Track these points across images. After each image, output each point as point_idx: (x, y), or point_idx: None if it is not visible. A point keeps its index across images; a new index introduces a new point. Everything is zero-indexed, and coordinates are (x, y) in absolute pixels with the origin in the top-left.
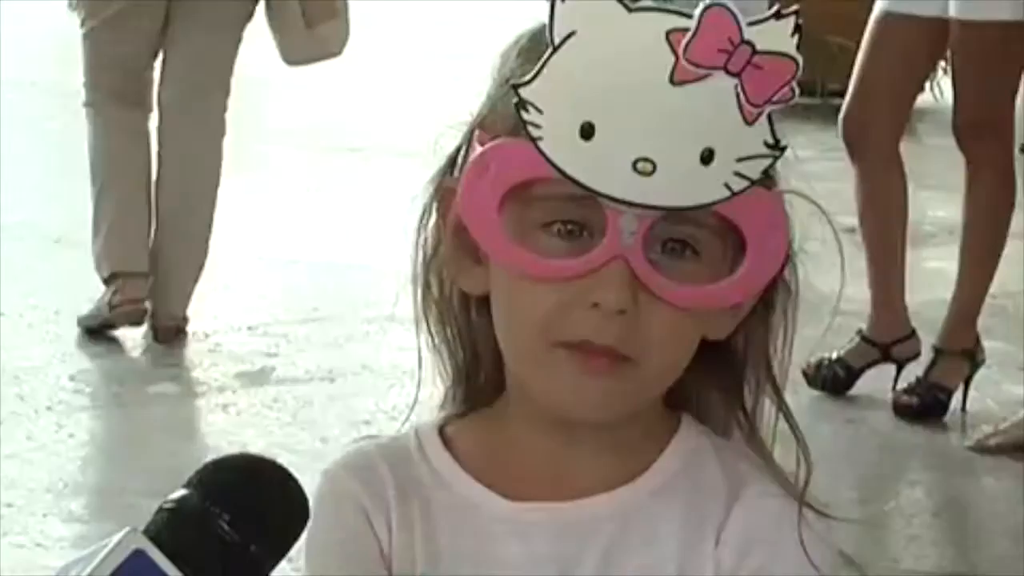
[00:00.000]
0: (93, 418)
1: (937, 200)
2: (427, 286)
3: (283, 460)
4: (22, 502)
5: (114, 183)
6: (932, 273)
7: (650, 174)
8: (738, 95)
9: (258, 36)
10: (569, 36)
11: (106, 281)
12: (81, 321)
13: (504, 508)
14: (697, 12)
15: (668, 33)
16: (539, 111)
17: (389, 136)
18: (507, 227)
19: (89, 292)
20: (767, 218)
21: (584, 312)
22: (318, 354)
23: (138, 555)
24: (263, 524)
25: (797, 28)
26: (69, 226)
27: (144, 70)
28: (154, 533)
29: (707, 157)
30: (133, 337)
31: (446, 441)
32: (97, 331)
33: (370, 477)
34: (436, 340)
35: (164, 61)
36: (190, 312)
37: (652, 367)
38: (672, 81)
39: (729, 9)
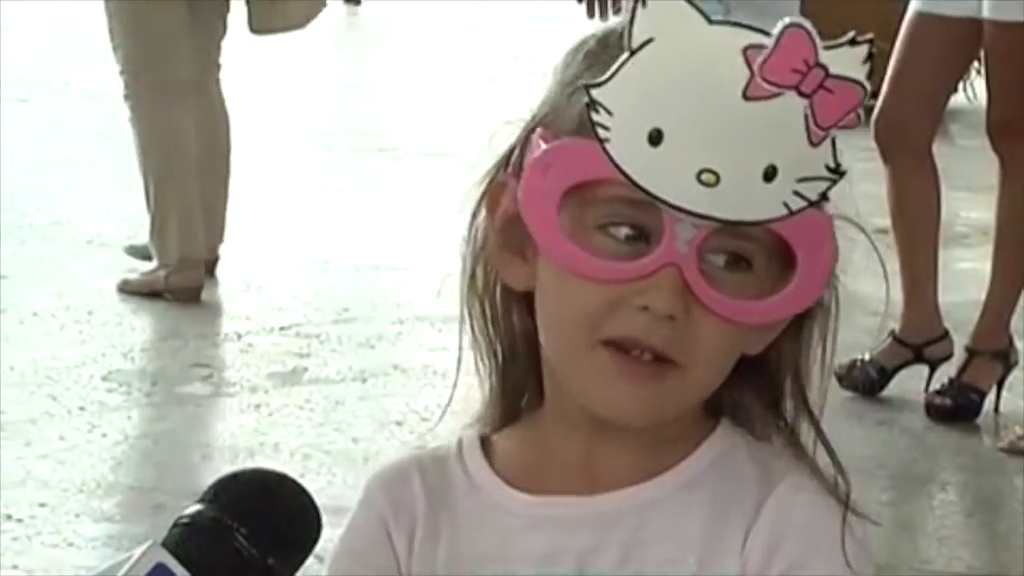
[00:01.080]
0: (125, 418)
1: (970, 201)
2: (472, 277)
3: (315, 460)
4: (55, 502)
5: (167, 170)
6: (965, 274)
7: (713, 185)
8: (806, 116)
9: (277, 40)
10: (647, 42)
11: (169, 273)
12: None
13: (522, 503)
14: (776, 31)
15: (745, 49)
16: (609, 113)
17: (419, 136)
18: (564, 225)
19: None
20: (817, 238)
21: (634, 313)
22: (350, 355)
23: (160, 569)
24: (279, 537)
25: (870, 56)
26: (101, 227)
27: (178, 49)
28: (173, 547)
29: (770, 174)
30: (165, 338)
31: (487, 447)
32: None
33: (400, 491)
34: (477, 332)
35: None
36: (225, 315)
37: (697, 375)
38: (745, 96)
39: (807, 31)
